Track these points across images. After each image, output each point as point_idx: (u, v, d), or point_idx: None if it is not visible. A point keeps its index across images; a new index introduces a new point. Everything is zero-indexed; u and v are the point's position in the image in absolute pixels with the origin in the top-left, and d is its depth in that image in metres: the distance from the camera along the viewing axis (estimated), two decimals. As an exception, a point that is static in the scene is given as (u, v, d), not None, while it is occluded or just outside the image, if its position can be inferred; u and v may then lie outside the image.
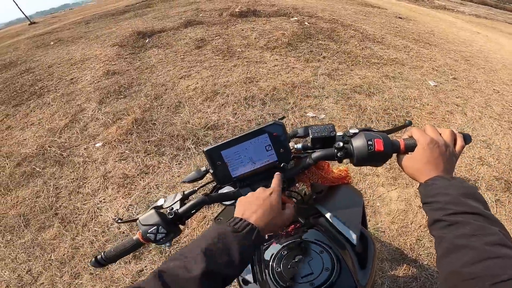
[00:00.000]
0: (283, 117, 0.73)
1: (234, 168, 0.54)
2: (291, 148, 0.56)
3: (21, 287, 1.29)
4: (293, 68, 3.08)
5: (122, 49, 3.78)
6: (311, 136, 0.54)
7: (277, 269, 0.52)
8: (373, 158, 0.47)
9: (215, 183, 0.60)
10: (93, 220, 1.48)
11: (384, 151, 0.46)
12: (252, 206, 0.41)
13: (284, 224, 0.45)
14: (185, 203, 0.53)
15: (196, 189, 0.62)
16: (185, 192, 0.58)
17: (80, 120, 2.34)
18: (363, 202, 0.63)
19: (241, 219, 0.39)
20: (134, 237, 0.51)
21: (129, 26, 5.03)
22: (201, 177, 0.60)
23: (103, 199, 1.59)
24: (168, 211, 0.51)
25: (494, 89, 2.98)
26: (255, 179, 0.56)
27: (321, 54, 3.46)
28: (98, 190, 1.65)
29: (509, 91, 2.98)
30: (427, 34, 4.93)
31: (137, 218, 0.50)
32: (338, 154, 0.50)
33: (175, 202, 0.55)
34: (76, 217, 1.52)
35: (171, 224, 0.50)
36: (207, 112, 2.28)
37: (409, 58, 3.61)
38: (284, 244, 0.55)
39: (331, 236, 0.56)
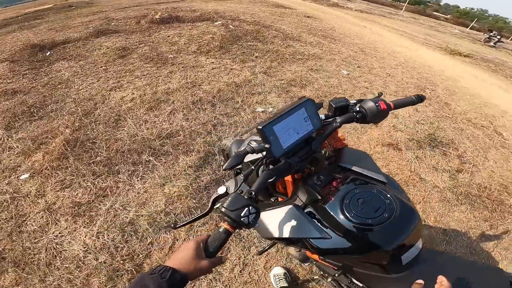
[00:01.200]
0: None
1: (283, 140, 0.63)
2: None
3: None
4: (231, 69, 3.29)
5: (16, 65, 3.15)
6: (334, 106, 0.74)
7: (351, 214, 0.61)
8: (379, 115, 0.73)
9: (267, 158, 0.65)
10: (57, 257, 1.27)
11: (386, 109, 0.72)
12: (176, 255, 0.50)
13: (207, 268, 0.50)
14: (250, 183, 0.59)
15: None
16: (244, 173, 0.62)
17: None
18: (369, 155, 0.81)
19: (159, 265, 0.47)
20: (221, 229, 0.51)
21: (17, 39, 4.21)
22: (242, 160, 0.61)
23: (59, 233, 1.36)
24: (247, 192, 0.55)
25: (387, 73, 3.99)
26: (296, 149, 0.68)
27: (253, 55, 3.81)
28: (46, 225, 1.39)
29: (397, 73, 4.06)
30: (331, 31, 6.07)
31: (219, 207, 0.53)
32: (357, 116, 0.73)
33: (241, 184, 0.61)
34: (32, 258, 1.27)
35: (256, 202, 0.54)
36: (156, 121, 2.22)
37: (323, 52, 4.39)
38: (341, 195, 0.65)
39: (365, 181, 0.69)
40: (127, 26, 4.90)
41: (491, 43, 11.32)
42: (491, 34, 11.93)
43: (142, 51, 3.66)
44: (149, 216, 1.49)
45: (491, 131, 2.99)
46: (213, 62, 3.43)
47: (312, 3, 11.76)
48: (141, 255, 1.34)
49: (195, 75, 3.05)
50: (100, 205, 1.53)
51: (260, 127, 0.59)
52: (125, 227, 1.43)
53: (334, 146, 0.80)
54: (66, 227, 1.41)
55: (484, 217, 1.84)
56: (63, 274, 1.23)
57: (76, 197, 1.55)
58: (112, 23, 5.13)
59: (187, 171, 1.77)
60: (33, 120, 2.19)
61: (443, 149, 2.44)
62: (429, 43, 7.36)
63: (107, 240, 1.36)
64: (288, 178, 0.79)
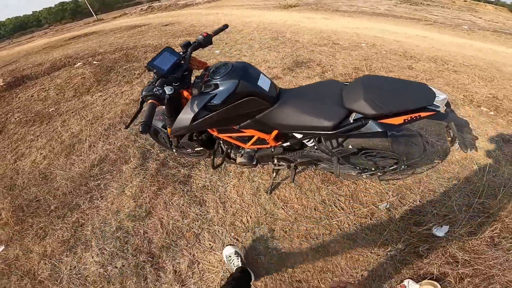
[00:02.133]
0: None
1: (163, 66, 1.13)
2: None
3: None
4: (122, 92, 3.54)
5: None
6: (183, 44, 1.32)
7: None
8: (207, 39, 1.36)
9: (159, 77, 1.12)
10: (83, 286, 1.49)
11: (208, 35, 1.37)
12: None
13: None
14: None
15: None
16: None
17: None
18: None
19: None
20: (149, 105, 0.96)
21: None
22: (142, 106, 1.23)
23: (70, 268, 1.55)
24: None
25: (248, 38, 5.02)
26: (175, 70, 1.20)
27: (135, 73, 4.11)
28: (55, 267, 1.56)
29: (255, 36, 5.13)
30: (191, 27, 6.87)
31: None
32: (195, 44, 1.34)
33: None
34: None
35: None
36: (80, 159, 2.37)
37: (218, 40, 5.03)
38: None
39: None
40: None
41: None
42: None
43: (14, 118, 3.43)
44: (128, 215, 1.81)
45: (331, 44, 4.35)
46: (100, 95, 3.58)
47: (163, 13, 12.27)
48: (144, 245, 1.64)
49: (91, 112, 3.18)
50: (83, 232, 1.74)
51: (146, 65, 1.10)
52: (116, 234, 1.71)
53: (200, 66, 1.33)
54: (72, 260, 1.61)
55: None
56: None
57: (58, 238, 1.72)
58: None
59: (134, 172, 2.12)
60: None
61: (307, 65, 3.53)
62: (268, 7, 9.14)
63: (111, 249, 1.63)
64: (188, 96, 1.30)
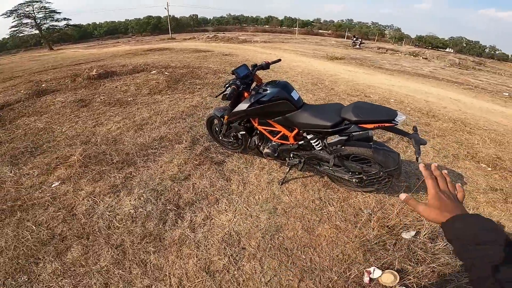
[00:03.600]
0: None
1: (240, 74, 2.05)
2: None
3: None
4: (185, 98, 4.44)
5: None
6: (253, 67, 2.13)
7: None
8: (267, 65, 2.20)
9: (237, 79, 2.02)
10: (114, 220, 2.05)
11: (268, 63, 2.22)
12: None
13: None
14: None
15: None
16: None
17: None
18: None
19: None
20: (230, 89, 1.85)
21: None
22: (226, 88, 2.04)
23: (108, 205, 2.16)
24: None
25: (291, 80, 5.83)
26: (245, 78, 2.07)
27: (196, 87, 5.08)
28: (95, 204, 2.16)
29: (298, 78, 5.93)
30: (246, 62, 7.94)
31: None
32: (259, 66, 2.17)
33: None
34: (92, 227, 1.93)
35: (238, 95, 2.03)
36: (146, 135, 3.12)
37: (266, 76, 6.02)
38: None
39: None
40: (63, 85, 5.57)
41: (357, 46, 16.09)
42: (354, 39, 17.07)
43: (100, 99, 4.47)
44: (170, 176, 2.39)
45: (362, 96, 4.92)
46: (168, 97, 4.52)
47: (225, 43, 14.34)
48: (175, 198, 2.14)
49: (158, 107, 4.06)
50: (131, 182, 2.32)
51: (232, 70, 1.91)
52: (156, 187, 2.26)
53: (258, 81, 2.09)
54: (112, 201, 2.10)
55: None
56: (123, 229, 1.85)
57: (110, 183, 2.30)
58: (43, 85, 5.70)
59: (184, 150, 2.76)
60: (35, 156, 2.78)
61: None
62: (316, 55, 10.28)
63: (147, 197, 2.12)
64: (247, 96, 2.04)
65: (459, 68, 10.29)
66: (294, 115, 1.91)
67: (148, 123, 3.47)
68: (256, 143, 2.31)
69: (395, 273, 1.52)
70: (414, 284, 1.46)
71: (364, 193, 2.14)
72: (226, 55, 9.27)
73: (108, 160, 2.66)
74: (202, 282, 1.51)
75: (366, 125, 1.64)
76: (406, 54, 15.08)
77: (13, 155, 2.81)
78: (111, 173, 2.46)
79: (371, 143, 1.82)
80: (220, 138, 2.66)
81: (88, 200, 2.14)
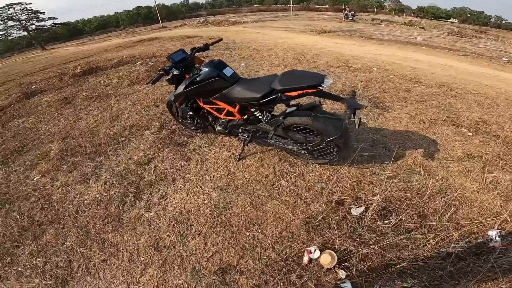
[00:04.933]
0: None
1: (176, 59, 2.05)
2: None
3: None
4: (162, 86, 4.43)
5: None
6: (192, 50, 2.26)
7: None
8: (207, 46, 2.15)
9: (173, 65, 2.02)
10: (82, 205, 2.19)
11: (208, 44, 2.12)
12: None
13: None
14: None
15: None
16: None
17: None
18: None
19: None
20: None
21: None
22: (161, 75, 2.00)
23: (78, 192, 2.28)
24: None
25: (273, 57, 5.68)
26: (182, 62, 2.09)
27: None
28: (68, 192, 2.32)
29: (280, 55, 5.79)
30: (232, 43, 7.84)
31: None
32: (199, 48, 2.18)
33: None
34: (63, 212, 2.10)
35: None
36: (120, 124, 3.21)
37: (229, 57, 5.93)
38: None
39: None
40: (51, 85, 5.68)
41: (349, 18, 15.33)
42: (346, 11, 16.28)
43: (82, 95, 4.56)
44: (135, 161, 2.48)
45: (344, 67, 4.77)
46: (146, 87, 4.55)
47: (215, 27, 14.00)
48: (136, 181, 2.23)
49: (137, 97, 4.11)
50: (101, 170, 2.44)
51: (167, 57, 1.88)
52: (120, 172, 2.36)
53: (199, 62, 2.10)
54: (81, 188, 2.26)
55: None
56: (88, 213, 2.00)
57: (82, 172, 2.44)
58: (33, 86, 5.83)
59: (151, 135, 2.83)
60: (22, 154, 2.96)
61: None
62: (305, 31, 9.90)
63: (112, 182, 2.24)
64: None
65: (457, 36, 9.69)
66: (229, 91, 1.92)
67: (123, 113, 3.55)
68: (208, 122, 2.37)
69: (334, 253, 1.47)
70: (354, 268, 1.43)
71: (320, 166, 2.15)
72: (213, 38, 9.07)
73: (83, 152, 2.78)
74: (150, 257, 1.64)
75: (291, 93, 1.63)
76: (401, 24, 14.26)
77: (4, 155, 3.01)
78: (83, 163, 2.59)
79: (312, 112, 1.78)
80: (181, 120, 2.72)
81: (62, 189, 2.32)
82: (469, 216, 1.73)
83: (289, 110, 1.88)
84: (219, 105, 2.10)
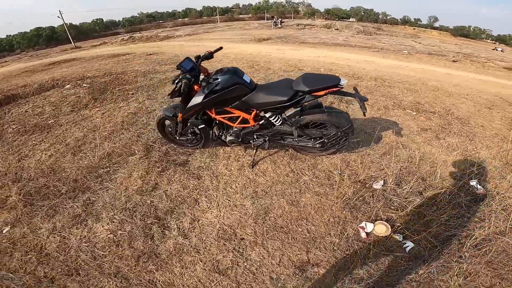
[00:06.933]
0: None
1: (186, 67, 1.94)
2: None
3: None
4: (119, 108, 3.96)
5: None
6: (197, 59, 2.03)
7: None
8: (211, 55, 2.09)
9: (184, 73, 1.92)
10: None
11: (212, 52, 2.12)
12: None
13: None
14: None
15: None
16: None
17: None
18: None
19: None
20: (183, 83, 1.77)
21: None
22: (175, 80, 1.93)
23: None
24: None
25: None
26: (192, 71, 1.99)
27: (129, 93, 4.58)
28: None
29: (232, 64, 5.92)
30: (175, 57, 7.58)
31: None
32: (203, 57, 2.10)
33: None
34: None
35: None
36: (89, 156, 2.72)
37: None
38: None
39: None
40: None
41: (278, 26, 16.97)
42: (274, 19, 18.01)
43: (12, 129, 3.64)
44: (136, 190, 2.18)
45: (297, 70, 5.24)
46: (99, 110, 3.96)
47: (145, 43, 13.09)
48: (151, 211, 2.01)
49: (91, 123, 3.54)
50: (94, 207, 2.07)
51: (177, 65, 1.81)
52: (124, 206, 2.07)
53: (205, 73, 2.04)
54: (82, 231, 1.92)
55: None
56: (111, 256, 1.83)
57: (69, 215, 2.00)
58: None
59: (140, 161, 2.52)
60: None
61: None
62: (244, 40, 10.39)
63: (121, 217, 1.99)
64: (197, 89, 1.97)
65: (365, 35, 11.90)
66: (250, 97, 1.95)
67: (85, 142, 3.01)
68: (217, 134, 2.28)
69: (385, 223, 1.67)
70: (405, 230, 1.65)
71: (328, 156, 2.36)
72: (150, 54, 8.50)
73: (56, 192, 2.27)
74: (219, 283, 1.48)
75: (318, 92, 1.82)
76: (321, 27, 16.63)
77: None
78: (65, 205, 2.13)
79: (323, 108, 2.01)
80: (177, 138, 2.51)
81: (54, 237, 1.87)
82: (450, 173, 2.22)
83: (294, 111, 2.05)
84: (234, 113, 2.07)
